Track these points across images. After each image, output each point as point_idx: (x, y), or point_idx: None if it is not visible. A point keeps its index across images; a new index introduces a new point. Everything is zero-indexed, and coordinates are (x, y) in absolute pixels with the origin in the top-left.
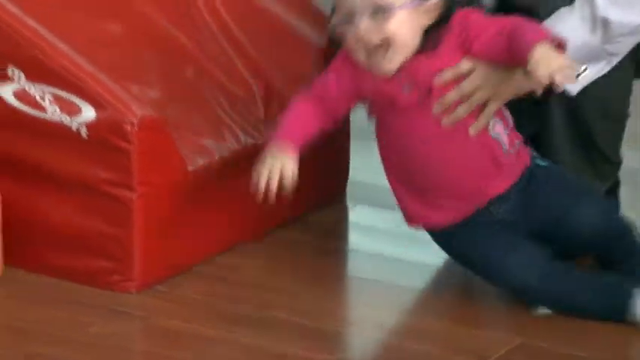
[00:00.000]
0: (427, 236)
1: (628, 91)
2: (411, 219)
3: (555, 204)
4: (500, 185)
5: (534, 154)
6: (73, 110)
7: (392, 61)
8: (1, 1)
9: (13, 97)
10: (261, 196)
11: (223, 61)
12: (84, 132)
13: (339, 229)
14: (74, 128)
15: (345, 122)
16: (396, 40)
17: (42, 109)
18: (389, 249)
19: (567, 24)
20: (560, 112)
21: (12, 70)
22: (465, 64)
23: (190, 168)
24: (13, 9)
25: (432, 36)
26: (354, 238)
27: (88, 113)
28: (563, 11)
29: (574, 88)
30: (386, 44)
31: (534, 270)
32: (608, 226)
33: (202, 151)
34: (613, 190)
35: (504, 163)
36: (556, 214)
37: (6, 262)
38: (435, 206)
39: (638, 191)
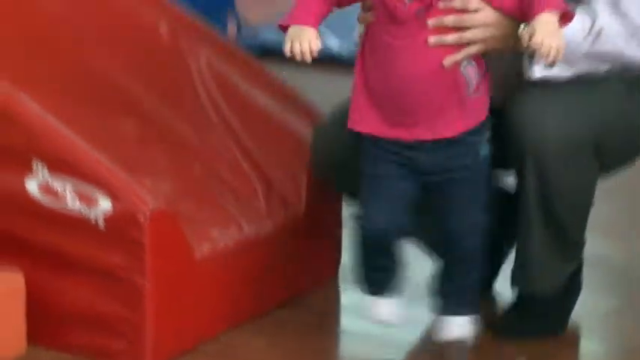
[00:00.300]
0: (419, 317)
1: (594, 183)
2: (354, 122)
3: (449, 195)
4: (454, 128)
5: (484, 137)
6: (91, 201)
7: None
8: (24, 100)
9: (37, 189)
10: (298, 58)
11: (228, 158)
12: (101, 222)
13: (331, 310)
14: (92, 218)
15: (338, 209)
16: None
17: (63, 200)
18: (379, 330)
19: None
20: (533, 196)
21: (36, 164)
22: (475, 2)
23: (197, 256)
24: (36, 107)
25: None
26: (346, 320)
27: (105, 204)
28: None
29: (537, 71)
30: None
31: (388, 225)
32: (459, 244)
33: (208, 240)
34: (576, 272)
35: (467, 104)
36: (442, 201)
37: (28, 341)
38: (388, 119)
39: (600, 273)
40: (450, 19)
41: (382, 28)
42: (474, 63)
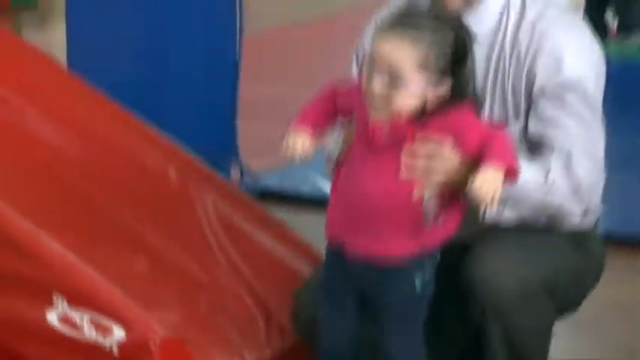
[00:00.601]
0: None
1: (552, 324)
2: (331, 237)
3: (381, 316)
4: (399, 250)
5: (425, 271)
6: (106, 331)
7: (387, 115)
8: (46, 238)
9: (57, 320)
10: (288, 154)
11: (232, 292)
12: (115, 349)
13: None
14: (107, 346)
15: None
16: (398, 108)
17: (80, 330)
18: None
19: (531, 167)
20: (499, 342)
21: (56, 297)
22: (447, 150)
23: None
24: (57, 245)
25: (430, 111)
26: None
27: (119, 334)
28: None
29: (488, 214)
30: (389, 103)
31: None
32: None
33: None
34: None
35: (419, 233)
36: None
37: None
38: (352, 232)
39: None
40: (420, 163)
41: (359, 146)
42: (436, 199)
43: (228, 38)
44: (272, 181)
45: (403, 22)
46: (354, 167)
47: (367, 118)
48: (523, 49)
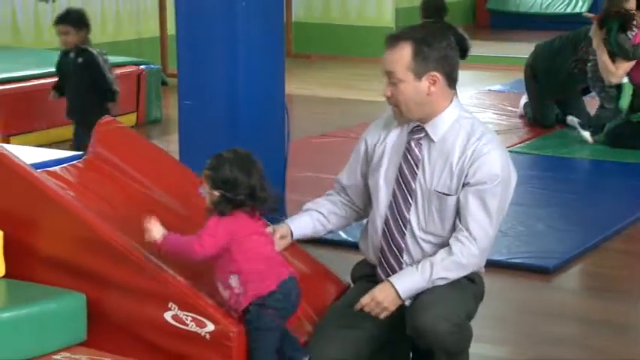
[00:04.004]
0: None
1: (471, 335)
2: None
3: None
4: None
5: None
6: (202, 324)
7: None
8: (164, 267)
9: (171, 318)
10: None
11: None
12: (208, 336)
13: None
14: (202, 334)
15: None
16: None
17: (186, 324)
18: None
19: (416, 276)
20: (441, 355)
21: (171, 304)
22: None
23: None
24: (170, 271)
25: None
26: None
27: (210, 327)
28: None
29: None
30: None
31: None
32: None
33: None
34: None
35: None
36: None
37: None
38: None
39: None
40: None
41: None
42: (240, 280)
43: (280, 142)
44: None
45: None
46: None
47: None
48: (468, 155)
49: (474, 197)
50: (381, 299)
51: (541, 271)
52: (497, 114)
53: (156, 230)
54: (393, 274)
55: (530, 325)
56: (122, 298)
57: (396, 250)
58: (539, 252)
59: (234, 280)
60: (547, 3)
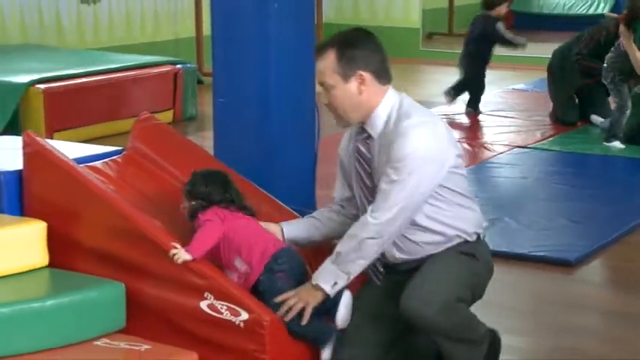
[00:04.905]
0: None
1: (468, 315)
2: None
3: None
4: None
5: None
6: (236, 313)
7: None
8: (200, 262)
9: (206, 307)
10: None
11: None
12: (242, 325)
13: None
14: (237, 322)
15: None
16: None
17: (220, 313)
18: None
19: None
20: (437, 337)
21: (207, 294)
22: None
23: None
24: (207, 266)
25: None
26: None
27: (244, 315)
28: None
29: (332, 291)
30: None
31: None
32: None
33: None
34: None
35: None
36: None
37: None
38: None
39: None
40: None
41: None
42: (243, 266)
43: (310, 138)
44: None
45: None
46: None
47: None
48: (392, 139)
49: (386, 173)
50: (302, 292)
51: (563, 264)
52: (520, 112)
53: (181, 252)
54: (382, 270)
55: (552, 317)
56: (159, 288)
57: None
58: (562, 245)
59: (238, 262)
60: (569, 4)
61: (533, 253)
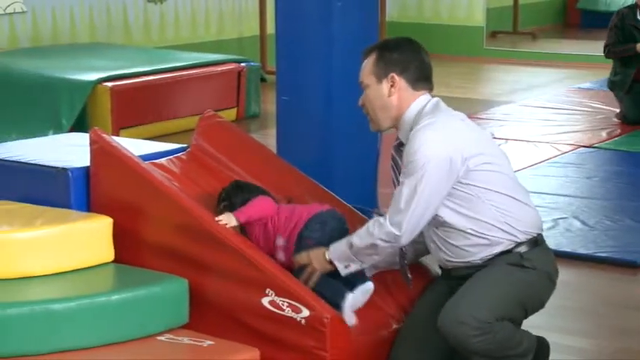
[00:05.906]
0: None
1: (511, 334)
2: None
3: None
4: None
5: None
6: (297, 310)
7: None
8: (262, 255)
9: (268, 304)
10: None
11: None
12: (303, 321)
13: None
14: (298, 319)
15: None
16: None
17: (282, 309)
18: None
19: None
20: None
21: (268, 290)
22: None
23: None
24: (269, 261)
25: None
26: None
27: (306, 312)
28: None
29: (344, 271)
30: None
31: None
32: None
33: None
34: None
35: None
36: None
37: None
38: None
39: None
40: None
41: None
42: (284, 241)
43: (372, 137)
44: None
45: None
46: None
47: None
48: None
49: (402, 177)
50: (312, 257)
51: (628, 265)
52: (586, 111)
53: (227, 217)
54: (410, 277)
55: (615, 318)
56: (222, 284)
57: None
58: (626, 246)
59: (279, 240)
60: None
61: (598, 254)
